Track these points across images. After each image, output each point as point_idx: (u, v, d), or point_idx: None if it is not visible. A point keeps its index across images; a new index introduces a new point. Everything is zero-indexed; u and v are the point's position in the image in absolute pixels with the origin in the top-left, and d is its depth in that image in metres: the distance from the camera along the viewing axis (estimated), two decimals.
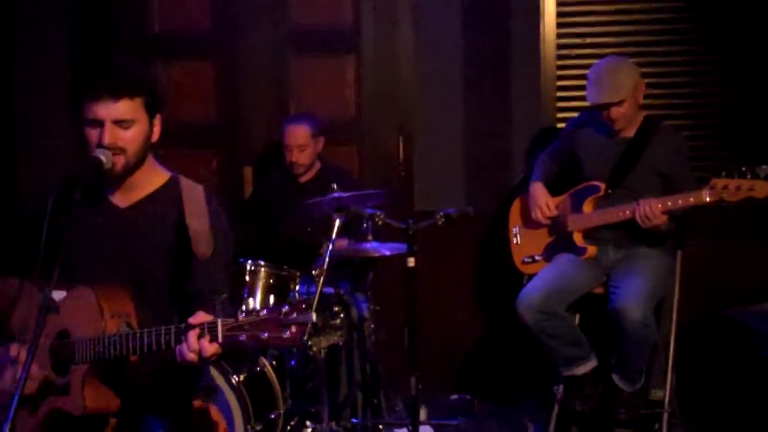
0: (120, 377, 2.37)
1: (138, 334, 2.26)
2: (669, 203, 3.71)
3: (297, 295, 3.80)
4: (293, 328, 2.11)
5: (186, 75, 4.88)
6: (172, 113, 4.80)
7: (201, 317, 2.21)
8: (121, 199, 2.54)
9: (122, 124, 2.41)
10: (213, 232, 2.53)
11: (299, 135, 4.33)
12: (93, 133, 2.41)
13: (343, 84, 4.82)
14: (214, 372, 3.15)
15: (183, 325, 2.21)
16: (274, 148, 4.61)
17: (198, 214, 2.53)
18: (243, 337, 2.14)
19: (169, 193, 2.57)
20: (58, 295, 2.40)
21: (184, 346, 2.19)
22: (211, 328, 2.17)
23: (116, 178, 2.48)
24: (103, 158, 2.37)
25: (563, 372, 3.97)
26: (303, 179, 4.43)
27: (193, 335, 2.18)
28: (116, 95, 2.39)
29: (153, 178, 2.58)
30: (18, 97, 4.81)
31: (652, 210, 3.70)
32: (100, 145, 2.39)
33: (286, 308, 2.12)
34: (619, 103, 3.86)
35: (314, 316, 2.16)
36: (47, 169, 4.72)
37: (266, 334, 2.12)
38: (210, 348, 2.18)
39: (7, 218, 2.61)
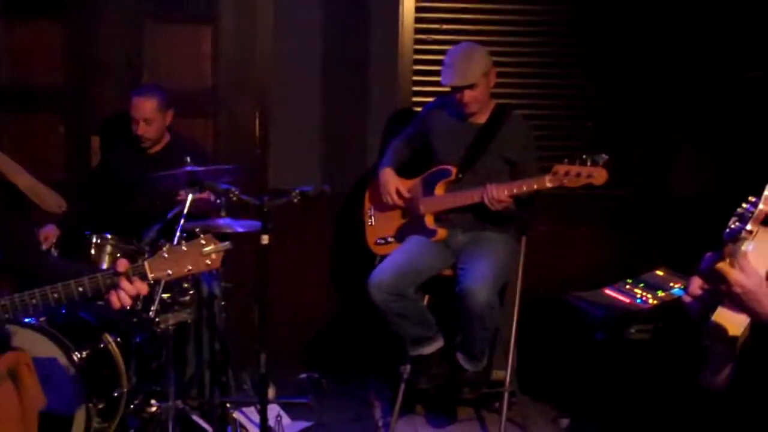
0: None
1: (63, 286, 2.28)
2: (514, 188, 3.85)
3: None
4: (213, 256, 2.32)
5: (34, 35, 4.64)
6: (17, 75, 4.63)
7: (123, 264, 2.29)
8: None
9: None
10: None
11: (146, 108, 4.19)
12: None
13: (200, 55, 4.72)
14: (54, 348, 3.05)
15: (112, 272, 2.29)
16: (124, 118, 4.45)
17: (16, 170, 2.51)
18: (170, 271, 2.31)
19: None
20: None
21: (120, 292, 2.28)
22: (138, 270, 2.30)
23: None
24: None
25: (410, 351, 4.04)
26: (152, 150, 4.29)
27: (124, 281, 2.27)
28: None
29: None
30: None
31: (499, 194, 3.83)
32: None
33: (202, 240, 2.32)
34: (471, 87, 3.96)
35: (229, 244, 2.35)
36: None
37: (190, 266, 2.31)
38: (144, 287, 2.31)
39: None
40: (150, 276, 2.31)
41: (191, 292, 3.75)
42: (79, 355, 3.39)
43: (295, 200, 3.40)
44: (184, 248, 2.32)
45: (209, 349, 3.93)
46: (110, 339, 3.61)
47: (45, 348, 3.26)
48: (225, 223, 3.73)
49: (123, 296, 2.30)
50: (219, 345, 3.89)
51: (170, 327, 3.65)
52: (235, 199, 3.44)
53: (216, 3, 4.67)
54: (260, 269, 3.43)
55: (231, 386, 3.97)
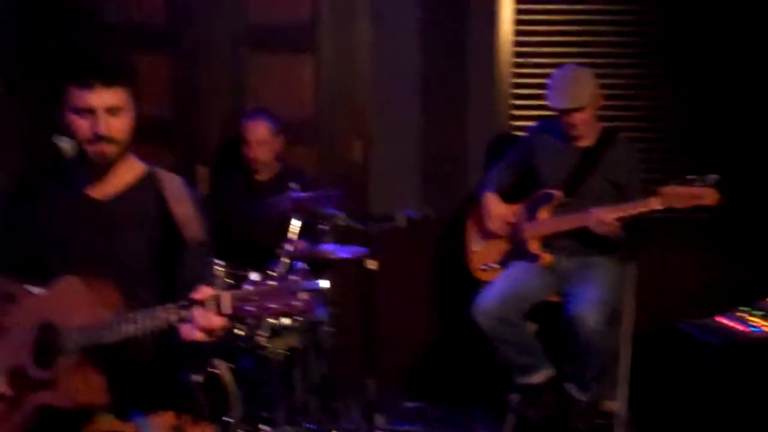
0: (113, 366, 2.30)
1: (139, 317, 2.19)
2: (620, 212, 3.77)
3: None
4: (303, 296, 2.08)
5: (140, 68, 4.71)
6: None
7: (204, 291, 2.16)
8: (98, 192, 2.47)
9: (114, 112, 2.37)
10: (200, 216, 2.52)
11: (259, 131, 4.24)
12: (83, 123, 2.35)
13: (300, 83, 4.75)
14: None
15: (186, 301, 2.15)
16: (230, 147, 4.52)
17: (181, 200, 2.50)
18: (250, 308, 2.10)
19: (148, 184, 2.53)
20: (37, 291, 2.35)
21: (190, 322, 2.15)
22: (215, 301, 2.13)
23: (100, 170, 2.42)
24: (90, 152, 2.35)
25: (518, 380, 3.98)
26: (261, 178, 4.34)
27: (198, 310, 2.13)
28: (109, 83, 2.36)
29: (130, 170, 2.53)
30: None
31: (606, 218, 3.75)
32: (95, 135, 2.34)
33: (294, 276, 2.09)
34: (581, 110, 3.91)
35: (326, 283, 2.11)
36: None
37: (274, 304, 2.09)
38: (217, 321, 2.13)
39: None
40: (225, 311, 2.13)
41: (299, 317, 3.76)
42: (194, 380, 3.41)
43: (401, 224, 3.39)
44: (272, 283, 2.11)
45: (316, 375, 3.92)
46: (222, 364, 3.64)
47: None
48: (330, 249, 3.75)
49: (190, 328, 2.16)
50: (326, 371, 3.88)
51: (279, 352, 3.66)
52: (341, 224, 3.44)
53: (316, 32, 4.71)
54: (367, 294, 3.42)
55: (339, 413, 3.96)
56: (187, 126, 4.76)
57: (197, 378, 3.41)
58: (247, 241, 4.21)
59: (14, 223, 2.43)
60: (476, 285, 4.19)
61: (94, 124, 2.35)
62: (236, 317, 2.15)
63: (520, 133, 4.55)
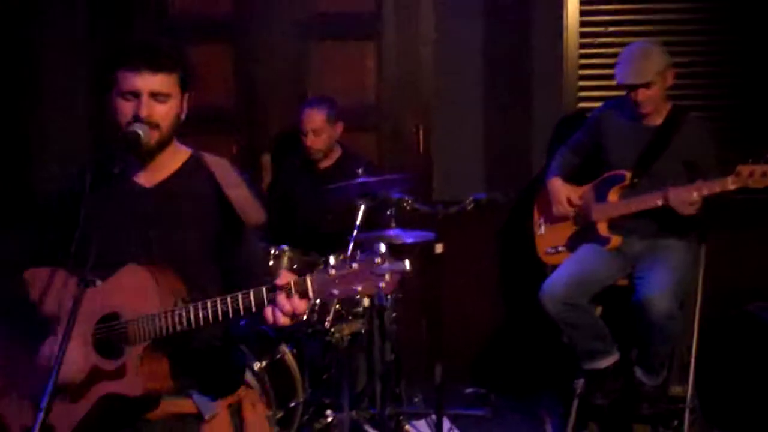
0: (181, 352, 2.32)
1: (219, 301, 2.18)
2: (695, 191, 3.67)
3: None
4: (387, 277, 2.03)
5: (204, 59, 4.79)
6: (190, 98, 4.81)
7: (286, 276, 2.15)
8: (146, 179, 2.48)
9: (158, 97, 2.38)
10: (253, 196, 2.51)
11: (315, 119, 4.26)
12: (127, 105, 2.37)
13: (364, 70, 4.77)
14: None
15: (269, 286, 2.14)
16: (294, 135, 4.55)
17: (234, 184, 2.49)
18: (335, 291, 2.07)
19: (195, 168, 2.52)
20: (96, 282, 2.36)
21: (274, 307, 2.14)
22: (300, 286, 2.11)
23: (146, 155, 2.43)
24: (140, 132, 2.33)
25: (585, 365, 3.92)
26: (322, 165, 4.36)
27: (282, 295, 2.12)
28: (155, 68, 2.37)
29: (176, 156, 2.53)
30: (34, 92, 4.74)
31: (689, 197, 3.65)
32: (136, 118, 2.35)
33: (377, 258, 2.04)
34: (647, 85, 3.81)
35: (408, 264, 2.05)
36: (60, 151, 4.68)
37: (359, 286, 2.05)
38: (302, 305, 2.12)
39: (30, 208, 2.53)
40: (311, 294, 2.11)
41: (364, 302, 3.77)
42: (259, 365, 3.46)
43: (469, 208, 3.37)
44: (355, 265, 2.05)
45: (380, 360, 3.93)
46: (286, 350, 3.67)
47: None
48: (396, 233, 3.74)
49: (277, 313, 2.15)
50: (391, 356, 3.88)
51: (344, 338, 3.67)
52: (408, 208, 3.43)
53: (379, 19, 4.71)
54: (434, 278, 3.40)
55: (403, 398, 3.96)
56: (251, 115, 4.81)
57: (262, 363, 3.47)
58: (313, 228, 4.25)
59: (66, 214, 2.41)
60: (543, 269, 4.15)
61: (138, 106, 2.36)
62: (321, 300, 2.11)
63: (586, 114, 4.47)
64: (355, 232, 3.57)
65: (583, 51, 4.65)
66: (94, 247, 2.23)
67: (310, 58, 4.76)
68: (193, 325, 2.22)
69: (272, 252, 3.74)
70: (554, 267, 4.06)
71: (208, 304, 2.20)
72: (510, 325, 4.73)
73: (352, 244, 3.57)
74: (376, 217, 3.91)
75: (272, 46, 4.75)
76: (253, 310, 2.16)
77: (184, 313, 2.22)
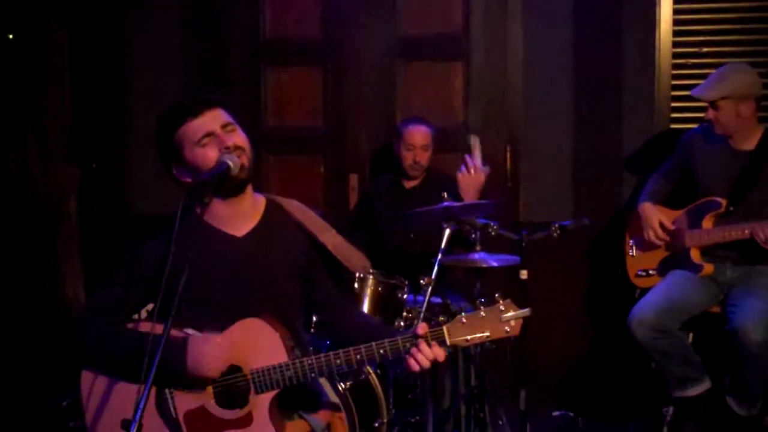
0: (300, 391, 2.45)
1: (353, 351, 2.34)
2: None
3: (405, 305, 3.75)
4: (512, 323, 2.28)
5: (295, 81, 4.91)
6: (281, 119, 4.92)
7: (423, 327, 2.32)
8: (234, 229, 2.52)
9: (228, 127, 2.44)
10: (333, 230, 2.63)
11: (425, 135, 4.32)
12: (209, 148, 2.40)
13: (451, 91, 4.78)
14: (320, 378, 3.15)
15: (411, 335, 2.32)
16: (380, 155, 4.60)
17: (325, 229, 2.59)
18: (468, 338, 2.29)
19: (278, 214, 2.59)
20: (193, 333, 2.42)
21: (419, 355, 2.31)
22: (438, 335, 2.30)
23: (237, 188, 2.46)
24: (230, 162, 2.37)
25: (674, 393, 3.84)
26: (409, 185, 4.40)
27: (423, 344, 2.30)
28: (211, 105, 2.44)
29: (256, 203, 2.58)
30: (132, 116, 4.89)
31: None
32: (227, 148, 2.39)
33: (501, 306, 2.28)
34: (713, 105, 3.74)
35: (529, 310, 2.31)
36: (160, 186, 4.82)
37: (488, 332, 2.28)
38: (442, 353, 2.32)
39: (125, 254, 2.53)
40: (449, 341, 2.31)
41: (458, 309, 3.76)
42: (343, 386, 3.48)
43: (555, 234, 3.34)
44: (482, 314, 2.30)
45: (465, 383, 3.92)
46: (370, 370, 3.69)
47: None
48: (480, 257, 3.74)
49: (422, 359, 2.31)
50: (475, 379, 3.87)
51: None
52: (493, 234, 3.43)
53: (467, 40, 4.72)
54: (519, 304, 3.37)
55: (487, 421, 3.93)
56: (340, 135, 4.86)
57: (346, 384, 3.50)
58: (399, 248, 4.27)
59: (153, 266, 2.40)
60: (633, 293, 4.08)
61: (221, 141, 2.40)
62: (456, 347, 2.34)
63: (678, 136, 4.39)
64: (439, 256, 3.57)
65: (675, 72, 4.56)
66: (201, 300, 2.34)
67: (398, 79, 4.79)
68: (325, 374, 2.37)
69: (357, 275, 3.77)
70: (644, 291, 4.00)
71: (341, 354, 2.34)
72: (598, 349, 4.65)
73: (436, 267, 3.57)
74: (462, 240, 3.92)
75: (361, 67, 4.80)
76: (390, 358, 2.33)
77: (315, 363, 2.34)
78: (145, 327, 2.42)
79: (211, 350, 2.34)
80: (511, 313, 2.29)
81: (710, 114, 3.80)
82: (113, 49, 4.91)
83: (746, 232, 3.69)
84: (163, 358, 2.15)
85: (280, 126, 4.93)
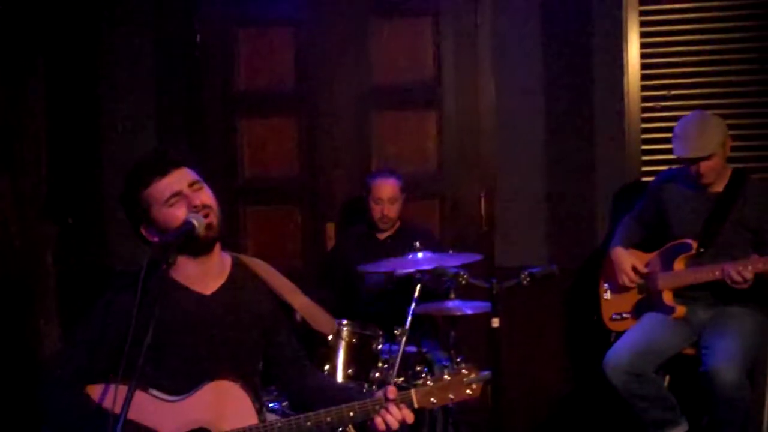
0: None
1: (325, 413, 2.36)
2: (759, 264, 3.64)
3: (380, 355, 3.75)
4: (474, 386, 2.42)
5: (270, 132, 4.94)
6: (257, 170, 4.95)
7: (393, 391, 2.38)
8: (202, 287, 2.52)
9: (195, 186, 2.45)
10: (298, 290, 2.64)
11: (392, 188, 4.33)
12: (177, 208, 2.41)
13: (425, 139, 4.82)
14: None
15: (380, 399, 2.39)
16: (356, 204, 4.62)
17: (291, 289, 2.61)
18: (434, 400, 2.40)
19: (244, 273, 2.60)
20: (158, 394, 2.42)
21: (388, 417, 2.36)
22: (407, 398, 2.39)
23: (204, 247, 2.47)
24: (195, 222, 2.37)
25: None
26: (383, 236, 4.42)
27: (392, 407, 2.36)
28: (177, 164, 2.45)
29: (223, 261, 2.59)
30: (107, 169, 4.90)
31: (742, 273, 3.63)
32: (195, 207, 2.40)
33: (464, 370, 2.42)
34: (708, 158, 3.79)
35: (489, 374, 2.47)
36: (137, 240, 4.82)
37: (452, 395, 2.40)
38: (411, 415, 2.39)
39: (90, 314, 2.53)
40: (416, 405, 2.39)
41: (423, 375, 3.77)
42: None
43: (525, 282, 3.36)
44: (447, 377, 2.41)
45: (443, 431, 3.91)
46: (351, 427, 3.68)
47: None
48: (455, 305, 3.75)
49: (391, 421, 2.37)
50: (452, 428, 3.86)
51: None
52: (464, 282, 3.45)
53: (439, 88, 4.78)
54: (492, 353, 3.40)
55: None
56: (315, 185, 4.89)
57: None
58: (371, 300, 4.28)
59: (119, 324, 2.36)
60: (608, 337, 4.10)
61: (189, 201, 2.41)
62: (423, 408, 2.41)
63: (649, 180, 4.44)
64: (413, 305, 3.59)
65: (645, 115, 4.62)
66: (168, 359, 2.35)
67: (372, 129, 4.83)
68: (314, 429, 2.38)
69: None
70: (619, 334, 4.02)
71: (312, 416, 2.36)
72: (576, 394, 4.66)
73: (410, 317, 3.58)
74: (436, 288, 3.93)
75: (335, 117, 4.84)
76: (358, 421, 2.39)
77: (285, 426, 2.36)
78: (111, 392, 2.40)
79: None
80: (473, 377, 2.43)
81: (702, 168, 3.81)
82: (88, 102, 4.93)
83: (717, 273, 3.74)
84: None
85: (256, 177, 4.95)
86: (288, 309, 2.61)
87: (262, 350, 2.59)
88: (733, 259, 3.72)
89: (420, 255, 3.71)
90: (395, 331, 3.66)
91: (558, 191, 4.67)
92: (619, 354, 3.81)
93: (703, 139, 3.80)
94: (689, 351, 3.90)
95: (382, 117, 4.84)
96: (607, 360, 3.81)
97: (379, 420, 2.36)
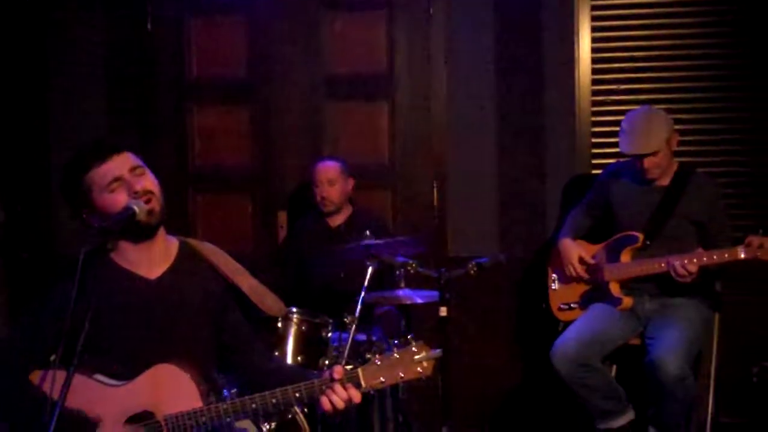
0: None
1: (270, 395, 2.34)
2: (704, 258, 3.69)
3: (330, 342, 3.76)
4: (424, 364, 2.32)
5: (222, 120, 4.92)
6: (208, 158, 4.93)
7: (339, 371, 2.34)
8: (147, 271, 2.51)
9: (137, 171, 2.44)
10: (247, 272, 2.63)
11: (329, 170, 4.35)
12: (117, 194, 2.40)
13: (377, 130, 4.82)
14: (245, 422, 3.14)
15: (327, 379, 2.34)
16: (308, 193, 4.62)
17: (239, 271, 2.59)
18: (383, 379, 2.33)
19: (191, 257, 2.59)
20: (102, 379, 2.41)
21: (333, 397, 2.32)
22: (353, 377, 2.33)
23: (145, 232, 2.45)
24: (135, 207, 2.36)
25: (598, 425, 3.89)
26: (335, 223, 4.42)
27: (338, 386, 2.32)
28: (117, 150, 2.44)
29: (169, 245, 2.58)
30: (56, 156, 4.85)
31: (687, 267, 3.68)
32: (136, 192, 2.39)
33: (414, 348, 2.33)
34: (653, 154, 3.84)
35: (440, 352, 2.37)
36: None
37: (402, 373, 2.31)
38: (358, 395, 2.34)
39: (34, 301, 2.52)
40: (364, 384, 2.34)
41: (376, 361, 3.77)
42: (268, 426, 3.47)
43: (472, 272, 3.39)
44: (396, 356, 2.34)
45: (393, 420, 3.93)
46: (297, 409, 3.68)
47: None
48: (404, 294, 3.77)
49: (337, 401, 2.33)
50: (401, 416, 3.88)
51: None
52: (412, 271, 3.47)
53: (391, 79, 4.78)
54: (440, 341, 3.42)
55: None
56: (267, 173, 4.88)
57: (271, 424, 3.49)
58: (326, 286, 4.29)
59: (61, 309, 2.32)
60: (555, 325, 4.14)
61: (130, 185, 2.40)
62: (371, 388, 2.35)
63: (597, 173, 4.50)
64: (363, 293, 3.59)
65: (595, 108, 4.66)
66: (113, 344, 2.33)
67: (324, 118, 4.83)
68: (242, 418, 2.37)
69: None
70: (567, 324, 4.06)
71: (257, 398, 2.34)
72: (524, 383, 4.70)
73: (360, 305, 3.59)
74: (387, 277, 3.95)
75: (287, 106, 4.83)
76: (305, 401, 2.36)
77: (230, 407, 2.35)
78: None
79: None
80: (423, 354, 2.32)
81: (647, 164, 3.86)
82: (36, 90, 4.87)
83: (662, 265, 3.79)
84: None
85: (208, 165, 4.93)
86: (238, 292, 2.60)
87: (212, 333, 2.57)
88: (679, 252, 3.77)
89: (370, 242, 3.71)
90: (345, 319, 3.67)
91: (509, 182, 4.70)
92: (566, 344, 3.85)
93: (648, 136, 3.85)
94: (635, 341, 3.96)
95: (334, 107, 4.84)
96: (554, 350, 3.85)
97: (324, 399, 2.33)
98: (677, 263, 3.71)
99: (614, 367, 4.04)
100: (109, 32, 4.86)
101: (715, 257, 3.68)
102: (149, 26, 4.85)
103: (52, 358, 2.41)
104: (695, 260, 3.69)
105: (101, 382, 2.41)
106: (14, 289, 4.73)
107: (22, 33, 4.82)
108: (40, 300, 2.48)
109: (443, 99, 4.73)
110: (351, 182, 4.41)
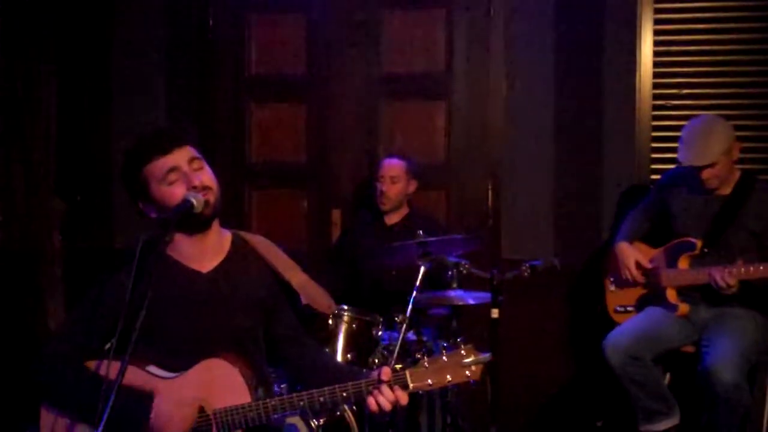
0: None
1: (317, 393, 2.34)
2: (742, 270, 3.65)
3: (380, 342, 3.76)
4: (473, 368, 2.30)
5: (279, 117, 4.96)
6: (264, 154, 4.97)
7: (387, 372, 2.33)
8: (200, 264, 2.53)
9: (195, 164, 2.45)
10: (298, 266, 2.63)
11: (394, 167, 4.36)
12: (176, 186, 2.41)
13: (434, 130, 4.82)
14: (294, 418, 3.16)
15: (374, 380, 2.33)
16: (363, 191, 4.63)
17: (290, 267, 2.59)
18: (430, 382, 2.31)
19: (243, 250, 2.60)
20: (155, 371, 2.43)
21: (380, 398, 2.31)
22: (400, 379, 2.32)
23: (201, 225, 2.47)
24: (193, 200, 2.37)
25: (641, 426, 3.87)
26: (390, 222, 4.42)
27: (385, 388, 2.31)
28: (179, 143, 2.45)
29: (222, 238, 2.59)
30: (117, 148, 4.92)
31: (726, 279, 3.64)
32: (194, 187, 2.40)
33: (463, 351, 2.31)
34: (711, 166, 3.78)
35: (490, 356, 2.34)
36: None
37: (449, 377, 2.30)
38: (405, 396, 2.32)
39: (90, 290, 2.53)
40: (411, 386, 2.32)
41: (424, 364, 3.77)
42: (317, 423, 3.48)
43: (525, 274, 3.37)
44: (444, 359, 2.32)
45: (441, 421, 3.92)
46: (346, 407, 3.69)
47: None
48: (457, 295, 3.76)
49: (383, 402, 2.32)
50: (450, 417, 3.87)
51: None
52: (465, 272, 3.46)
53: (450, 79, 4.77)
54: (491, 343, 3.41)
55: None
56: (322, 171, 4.91)
57: (320, 421, 3.50)
58: (378, 284, 4.30)
59: (117, 299, 2.38)
60: (611, 329, 4.09)
61: (188, 180, 2.41)
62: (418, 390, 2.33)
63: (655, 178, 4.43)
64: (414, 293, 3.59)
65: (656, 113, 4.59)
66: (165, 337, 2.35)
67: (381, 117, 4.84)
68: (288, 414, 2.39)
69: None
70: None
71: (305, 396, 2.35)
72: (574, 387, 4.65)
73: (411, 304, 3.59)
74: (439, 277, 3.94)
75: (344, 104, 4.86)
76: (352, 401, 2.36)
77: (278, 404, 2.36)
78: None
79: (178, 412, 2.36)
80: (471, 359, 2.31)
81: (706, 174, 3.81)
82: (99, 82, 4.96)
83: (705, 276, 3.74)
84: (125, 409, 2.23)
85: (264, 161, 4.98)
86: (288, 288, 2.61)
87: (262, 327, 2.59)
88: (736, 262, 3.70)
89: (424, 242, 3.70)
90: (396, 318, 3.67)
91: (565, 186, 4.66)
92: (620, 336, 3.84)
93: (706, 147, 3.79)
94: (689, 349, 3.90)
95: (391, 106, 4.85)
96: (607, 341, 3.84)
97: (371, 400, 2.33)
98: (717, 275, 3.66)
99: (668, 374, 3.99)
100: (172, 27, 4.94)
101: (752, 270, 3.62)
102: (210, 22, 4.92)
103: (107, 347, 2.45)
104: (734, 271, 3.64)
105: (153, 374, 2.43)
106: (72, 279, 4.81)
107: (88, 25, 4.92)
108: (96, 290, 2.50)
109: (502, 101, 4.70)
110: (413, 184, 4.41)
